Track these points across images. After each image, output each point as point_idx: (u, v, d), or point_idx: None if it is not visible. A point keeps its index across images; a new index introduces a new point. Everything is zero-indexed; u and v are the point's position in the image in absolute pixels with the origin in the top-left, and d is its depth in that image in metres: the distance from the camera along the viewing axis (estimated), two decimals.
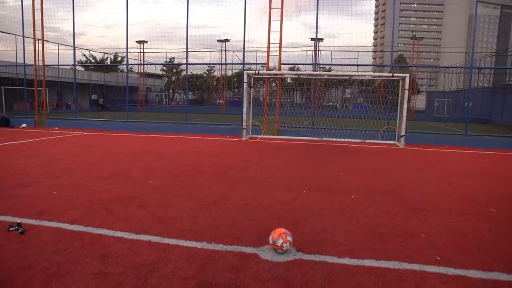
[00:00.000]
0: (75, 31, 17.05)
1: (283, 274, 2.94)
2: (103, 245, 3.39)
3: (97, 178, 6.17)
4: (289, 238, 3.31)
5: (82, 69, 43.81)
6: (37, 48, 16.45)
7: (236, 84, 50.44)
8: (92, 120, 18.42)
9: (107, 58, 49.22)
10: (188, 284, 2.74)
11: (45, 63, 17.13)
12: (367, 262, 3.20)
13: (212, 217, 4.31)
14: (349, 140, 13.44)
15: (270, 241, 3.33)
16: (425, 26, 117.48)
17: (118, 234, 3.69)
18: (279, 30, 13.96)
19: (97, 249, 3.30)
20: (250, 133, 13.97)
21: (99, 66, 45.45)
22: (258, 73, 14.07)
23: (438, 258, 3.33)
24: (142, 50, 39.08)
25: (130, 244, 3.45)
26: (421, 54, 46.57)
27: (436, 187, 6.36)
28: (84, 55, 47.51)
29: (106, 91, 43.87)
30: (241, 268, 3.03)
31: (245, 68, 15.95)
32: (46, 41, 18.28)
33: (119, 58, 48.67)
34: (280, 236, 3.29)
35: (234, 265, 3.07)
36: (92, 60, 48.83)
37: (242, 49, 15.91)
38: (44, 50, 16.55)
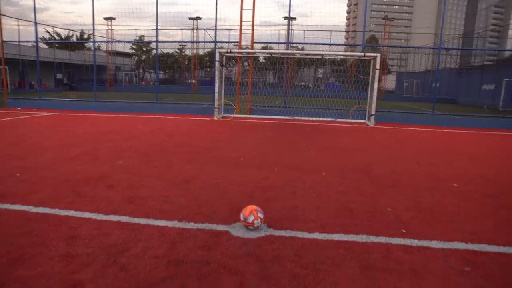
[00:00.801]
0: (37, 5, 16.15)
1: (254, 250, 2.97)
2: (71, 227, 3.30)
3: (63, 159, 5.98)
4: (260, 215, 3.33)
5: (46, 46, 41.75)
6: None
7: (208, 63, 49.63)
8: (58, 100, 17.71)
9: (72, 35, 47.13)
10: (159, 263, 2.72)
11: (4, 40, 16.20)
12: (336, 237, 3.27)
13: (183, 196, 4.27)
14: (321, 119, 13.58)
15: (241, 218, 3.34)
16: (397, 7, 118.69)
17: (86, 215, 3.60)
18: (251, 8, 13.73)
19: (64, 231, 3.21)
20: (222, 113, 13.86)
21: (63, 43, 43.50)
22: (231, 51, 13.86)
23: (404, 231, 3.45)
24: (110, 27, 37.66)
25: (99, 225, 3.38)
26: (392, 35, 47.15)
27: (405, 164, 6.56)
28: (48, 31, 45.24)
29: (72, 70, 42.14)
30: (212, 246, 3.03)
31: (217, 46, 15.67)
32: (4, 15, 17.22)
33: (85, 36, 46.70)
34: (251, 213, 3.31)
35: (205, 243, 3.07)
36: (57, 37, 46.58)
37: (214, 27, 15.59)
38: (2, 26, 15.61)
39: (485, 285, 2.52)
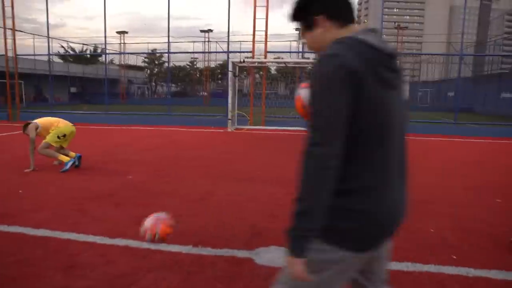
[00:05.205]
0: (53, 22, 16.22)
1: None
2: (71, 254, 2.90)
3: (70, 174, 5.64)
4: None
5: (61, 61, 42.15)
6: (9, 38, 15.50)
7: (219, 76, 49.61)
8: (70, 112, 17.58)
9: (86, 49, 47.66)
10: None
11: (18, 54, 16.20)
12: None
13: (198, 216, 3.85)
14: None
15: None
16: (408, 17, 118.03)
17: (90, 238, 3.20)
18: (265, 17, 13.42)
19: (63, 259, 2.80)
20: (236, 124, 13.49)
21: (76, 56, 43.95)
22: (244, 61, 13.54)
23: (455, 257, 2.96)
24: (122, 41, 37.94)
25: (103, 250, 2.97)
26: (404, 45, 46.61)
27: (437, 177, 6.03)
28: (62, 46, 45.79)
29: (86, 83, 42.44)
30: (233, 276, 2.59)
31: (229, 57, 15.40)
32: (19, 31, 17.30)
33: (99, 50, 47.17)
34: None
35: (225, 273, 2.64)
36: (71, 52, 47.17)
37: (227, 38, 15.37)
38: (16, 40, 15.61)
39: None
